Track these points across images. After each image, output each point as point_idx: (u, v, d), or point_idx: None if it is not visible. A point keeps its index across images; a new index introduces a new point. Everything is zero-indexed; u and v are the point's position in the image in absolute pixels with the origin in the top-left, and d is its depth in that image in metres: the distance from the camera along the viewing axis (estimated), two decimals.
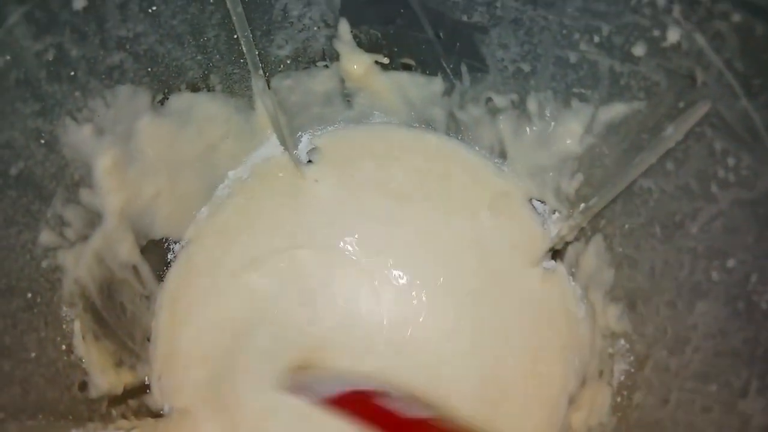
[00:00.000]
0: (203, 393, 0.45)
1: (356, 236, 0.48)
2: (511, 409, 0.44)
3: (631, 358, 0.38)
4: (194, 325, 0.46)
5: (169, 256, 0.49)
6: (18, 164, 0.32)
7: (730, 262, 0.30)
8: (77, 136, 0.35)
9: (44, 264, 0.35)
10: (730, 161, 0.29)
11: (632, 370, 0.38)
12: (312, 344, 0.44)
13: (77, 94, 0.34)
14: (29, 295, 0.34)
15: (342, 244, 0.48)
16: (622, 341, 0.40)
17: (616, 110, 0.35)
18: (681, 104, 0.31)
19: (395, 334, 0.44)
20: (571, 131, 0.39)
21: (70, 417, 0.36)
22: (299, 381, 0.42)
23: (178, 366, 0.45)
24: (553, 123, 0.40)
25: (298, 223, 0.49)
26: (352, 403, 0.37)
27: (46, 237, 0.35)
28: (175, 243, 0.49)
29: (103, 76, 0.35)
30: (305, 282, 0.47)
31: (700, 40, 0.28)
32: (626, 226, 0.39)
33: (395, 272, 0.47)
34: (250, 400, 0.43)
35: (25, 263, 0.34)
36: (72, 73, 0.33)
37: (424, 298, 0.46)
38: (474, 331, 0.46)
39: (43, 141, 0.33)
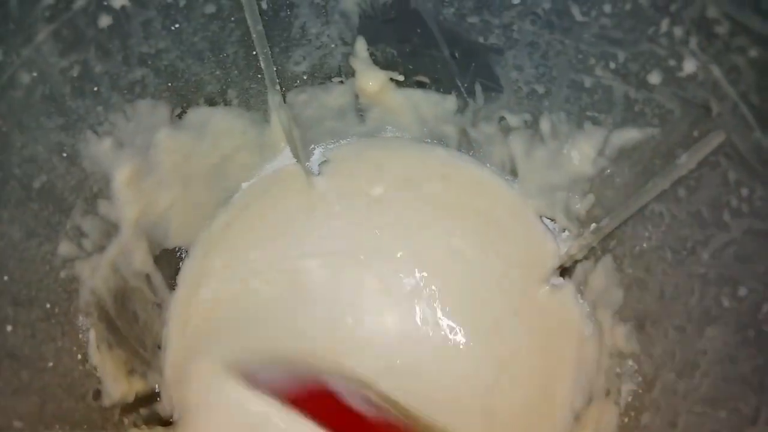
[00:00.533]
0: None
1: (364, 248, 0.49)
2: (515, 424, 0.44)
3: (639, 378, 0.39)
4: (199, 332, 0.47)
5: (180, 265, 0.49)
6: (41, 177, 0.33)
7: (742, 291, 0.30)
8: (97, 149, 0.36)
9: (62, 274, 0.36)
10: (744, 191, 0.29)
11: (640, 391, 0.38)
12: (314, 352, 0.45)
13: (99, 108, 0.34)
14: (48, 305, 0.35)
15: (350, 255, 0.49)
16: (630, 362, 0.40)
17: (630, 135, 0.36)
18: (695, 133, 0.31)
19: (397, 347, 0.45)
20: (583, 153, 0.40)
21: (85, 426, 0.36)
22: (247, 370, 0.41)
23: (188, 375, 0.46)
24: (565, 144, 0.41)
25: (307, 234, 0.49)
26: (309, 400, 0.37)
27: (64, 248, 0.36)
28: (187, 252, 0.49)
29: (125, 91, 0.36)
30: (311, 291, 0.47)
31: (717, 71, 0.29)
32: (636, 248, 0.39)
33: (402, 285, 0.47)
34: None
35: (44, 274, 0.34)
36: (95, 89, 0.34)
37: (430, 313, 0.46)
38: (480, 347, 0.46)
39: (65, 155, 0.34)
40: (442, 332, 0.45)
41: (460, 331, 0.46)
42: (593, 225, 0.42)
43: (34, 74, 0.30)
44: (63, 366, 0.36)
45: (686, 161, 0.32)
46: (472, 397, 0.44)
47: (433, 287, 0.47)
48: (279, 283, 0.48)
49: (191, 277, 0.49)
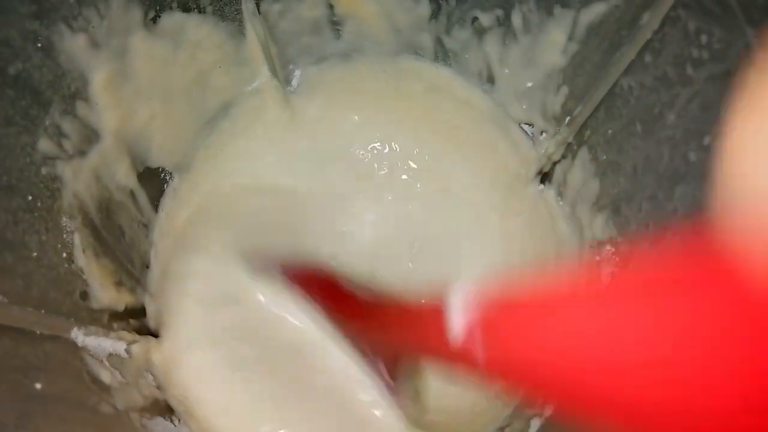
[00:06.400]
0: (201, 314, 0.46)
1: (345, 161, 0.49)
2: None
3: (617, 260, 0.40)
4: (191, 250, 0.48)
5: (165, 187, 0.50)
6: (16, 64, 0.33)
7: (706, 140, 0.31)
8: (72, 44, 0.36)
9: (43, 171, 0.36)
10: (703, 38, 0.30)
11: (617, 270, 0.39)
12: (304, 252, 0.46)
13: (71, 0, 0.35)
14: (29, 197, 0.35)
15: (331, 168, 0.49)
16: (608, 246, 0.41)
17: (596, 10, 0.36)
18: None
19: (382, 244, 0.46)
20: (555, 41, 0.41)
21: (72, 319, 0.37)
22: (259, 257, 0.43)
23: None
24: (538, 35, 0.41)
25: (288, 151, 0.50)
26: (305, 279, 0.38)
27: (44, 144, 0.36)
28: (171, 174, 0.50)
29: None
30: (297, 203, 0.48)
31: None
32: (609, 131, 0.40)
33: (386, 191, 0.48)
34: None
35: (24, 165, 0.35)
36: None
37: (415, 213, 0.47)
38: (461, 249, 0.47)
39: (39, 45, 0.34)
40: (424, 231, 0.46)
41: (441, 236, 0.47)
42: (568, 118, 0.43)
43: None
44: (47, 259, 0.36)
45: (649, 20, 0.32)
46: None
47: (414, 190, 0.48)
48: (264, 197, 0.49)
49: (176, 198, 0.50)
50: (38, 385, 0.30)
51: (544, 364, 0.15)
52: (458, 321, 0.18)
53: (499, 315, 0.18)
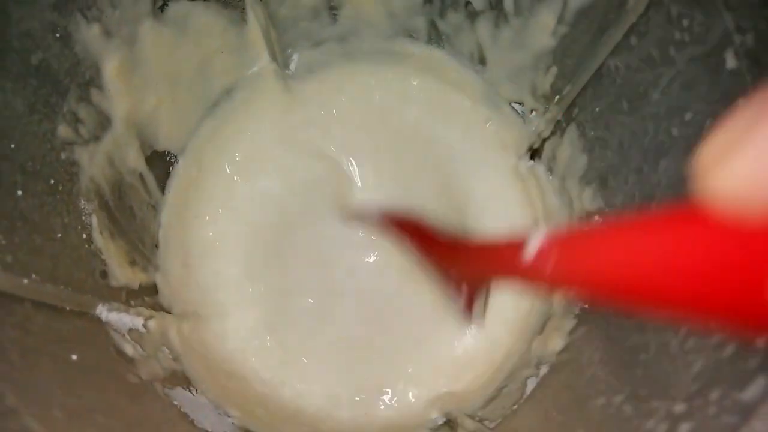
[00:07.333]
0: (233, 287, 0.48)
1: (343, 143, 0.52)
2: None
3: None
4: (205, 229, 0.50)
5: (171, 170, 0.52)
6: (37, 54, 0.35)
7: (687, 116, 0.33)
8: (87, 34, 0.38)
9: (63, 156, 0.38)
10: (685, 22, 0.32)
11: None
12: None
13: None
14: (52, 181, 0.37)
15: (330, 149, 0.51)
16: (596, 217, 0.44)
17: None
18: None
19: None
20: (545, 24, 0.43)
21: (96, 296, 0.39)
22: (353, 210, 0.48)
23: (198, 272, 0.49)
24: (528, 18, 0.43)
25: (289, 134, 0.52)
26: (401, 224, 0.42)
27: (63, 131, 0.38)
28: (176, 157, 0.51)
29: None
30: (300, 185, 0.50)
31: None
32: (597, 109, 0.42)
33: (386, 172, 0.50)
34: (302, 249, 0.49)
35: (46, 151, 0.36)
36: None
37: (402, 191, 0.49)
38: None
39: (58, 35, 0.36)
40: (422, 205, 0.49)
41: (437, 210, 0.50)
42: (557, 97, 0.45)
43: None
44: (70, 241, 0.38)
45: (635, 5, 0.35)
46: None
47: (406, 165, 0.50)
48: (268, 178, 0.51)
49: (182, 181, 0.51)
50: (74, 357, 0.32)
51: (595, 271, 0.21)
52: (532, 244, 0.24)
53: (560, 238, 0.24)
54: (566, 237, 0.24)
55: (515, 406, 0.42)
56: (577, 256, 0.22)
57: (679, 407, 0.27)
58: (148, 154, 0.48)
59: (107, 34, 0.39)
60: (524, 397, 0.42)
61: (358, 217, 0.48)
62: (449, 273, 0.35)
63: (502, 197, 0.50)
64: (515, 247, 0.25)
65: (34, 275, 0.33)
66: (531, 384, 0.42)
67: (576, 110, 0.45)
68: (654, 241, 0.18)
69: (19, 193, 0.34)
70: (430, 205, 0.48)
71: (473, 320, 0.34)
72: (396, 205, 0.46)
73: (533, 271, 0.24)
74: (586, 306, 0.41)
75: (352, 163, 0.51)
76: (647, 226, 0.19)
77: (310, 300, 0.48)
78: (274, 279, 0.49)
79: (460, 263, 0.34)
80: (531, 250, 0.24)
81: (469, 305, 0.33)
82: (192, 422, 0.40)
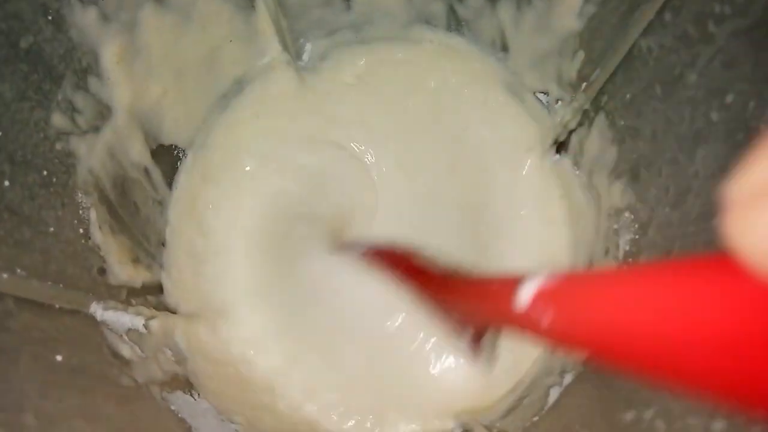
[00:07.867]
0: (244, 287, 0.46)
1: (358, 135, 0.49)
2: None
3: (636, 226, 0.39)
4: (215, 226, 0.48)
5: (179, 165, 0.50)
6: (27, 38, 0.33)
7: (729, 98, 0.30)
8: (83, 18, 0.36)
9: (58, 146, 0.36)
10: None
11: (636, 237, 0.39)
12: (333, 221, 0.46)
13: None
14: (45, 173, 0.35)
15: (343, 142, 0.49)
16: (627, 213, 0.40)
17: None
18: None
19: (415, 215, 0.46)
20: (571, 4, 0.40)
21: (91, 294, 0.37)
22: (344, 242, 0.45)
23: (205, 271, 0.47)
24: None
25: (303, 129, 0.50)
26: (390, 257, 0.39)
27: (57, 120, 0.36)
28: (183, 151, 0.50)
29: None
30: (312, 179, 0.48)
31: None
32: (627, 96, 0.39)
33: (406, 165, 0.48)
34: (308, 266, 0.46)
35: (39, 141, 0.35)
36: None
37: (422, 185, 0.47)
38: (470, 227, 0.47)
39: (50, 18, 0.34)
40: (441, 198, 0.46)
41: (453, 205, 0.47)
42: (584, 84, 0.42)
43: None
44: (64, 235, 0.36)
45: None
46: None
47: (426, 162, 0.47)
48: (279, 173, 0.49)
49: (190, 176, 0.50)
50: (59, 357, 0.30)
51: (596, 327, 0.17)
52: (526, 291, 0.20)
53: (559, 287, 0.20)
54: (570, 284, 0.20)
55: (536, 418, 0.39)
56: (581, 310, 0.18)
57: (718, 425, 0.23)
58: (154, 147, 0.46)
59: (105, 18, 0.37)
60: (546, 408, 0.39)
61: (348, 249, 0.44)
62: (446, 309, 0.31)
63: (523, 195, 0.47)
64: (508, 289, 0.21)
65: (19, 270, 0.31)
66: (554, 393, 0.39)
67: (605, 98, 0.41)
68: (676, 296, 0.15)
69: (6, 183, 0.32)
70: (449, 197, 0.46)
71: (480, 362, 0.29)
72: (387, 239, 0.43)
73: (527, 321, 0.20)
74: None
75: (370, 157, 0.48)
76: (667, 277, 0.15)
77: (319, 305, 0.46)
78: (283, 280, 0.47)
79: (453, 300, 0.30)
80: (526, 296, 0.20)
81: (476, 342, 0.29)
82: (189, 429, 0.38)
